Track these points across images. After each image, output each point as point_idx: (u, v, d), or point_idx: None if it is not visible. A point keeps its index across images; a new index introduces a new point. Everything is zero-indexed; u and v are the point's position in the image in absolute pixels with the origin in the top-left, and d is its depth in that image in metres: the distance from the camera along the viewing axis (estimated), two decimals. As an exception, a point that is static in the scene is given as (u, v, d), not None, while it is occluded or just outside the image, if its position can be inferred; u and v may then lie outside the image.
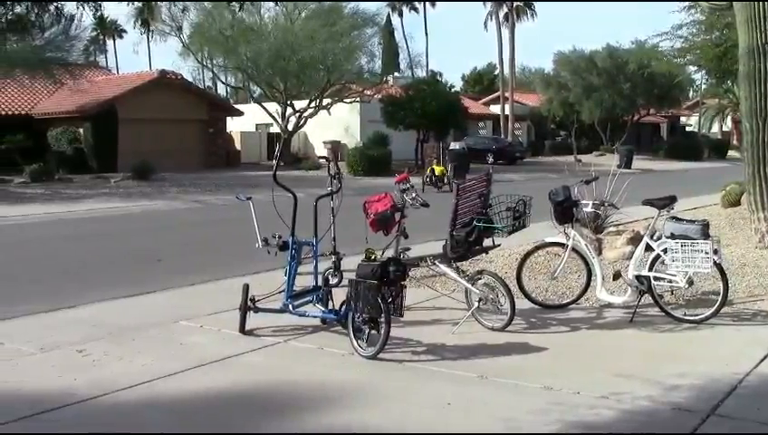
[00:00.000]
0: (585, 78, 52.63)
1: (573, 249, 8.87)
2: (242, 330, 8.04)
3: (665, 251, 8.14)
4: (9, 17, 6.31)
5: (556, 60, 56.47)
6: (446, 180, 27.75)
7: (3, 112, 37.25)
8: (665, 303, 8.41)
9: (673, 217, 8.38)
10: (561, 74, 55.12)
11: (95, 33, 78.19)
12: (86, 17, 68.43)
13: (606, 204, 11.03)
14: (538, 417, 5.62)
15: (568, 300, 9.11)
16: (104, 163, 35.18)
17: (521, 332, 7.99)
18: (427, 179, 28.35)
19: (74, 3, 6.54)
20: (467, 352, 7.31)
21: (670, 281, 8.22)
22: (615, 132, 57.26)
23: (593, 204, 9.52)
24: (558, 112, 56.05)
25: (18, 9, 6.22)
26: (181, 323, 8.67)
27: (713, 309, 8.12)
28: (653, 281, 8.26)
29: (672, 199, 8.63)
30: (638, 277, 8.33)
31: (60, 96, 38.16)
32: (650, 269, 8.26)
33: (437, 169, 28.86)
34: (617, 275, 8.65)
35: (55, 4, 6.30)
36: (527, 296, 8.97)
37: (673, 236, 8.10)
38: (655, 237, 8.35)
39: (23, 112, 37.84)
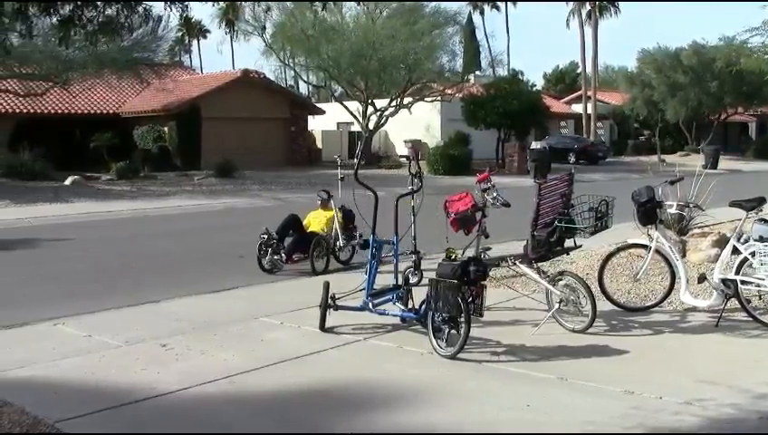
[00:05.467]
0: (670, 76, 51.55)
1: (657, 251, 8.71)
2: (322, 327, 8.12)
3: (753, 254, 7.94)
4: (100, 20, 6.49)
5: (640, 58, 55.43)
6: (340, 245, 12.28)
7: (92, 111, 38.19)
8: (752, 307, 8.19)
9: (762, 220, 8.16)
10: (645, 72, 54.09)
11: (181, 33, 79.63)
12: (173, 18, 69.92)
13: (691, 205, 10.81)
14: (619, 421, 5.54)
15: (650, 303, 8.96)
16: (188, 161, 35.82)
17: (602, 334, 7.89)
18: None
19: (162, 3, 6.70)
20: (547, 353, 7.25)
21: (758, 285, 8.01)
22: (701, 132, 56.03)
23: (678, 205, 9.34)
24: (641, 111, 55.06)
25: (108, 11, 6.38)
26: (262, 319, 8.79)
27: (804, 315, 7.89)
28: (740, 285, 8.06)
29: (761, 201, 8.41)
30: (724, 281, 8.14)
31: (146, 95, 38.98)
32: (737, 273, 8.06)
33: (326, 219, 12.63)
34: (702, 278, 8.47)
35: (144, 5, 6.45)
36: (609, 298, 8.85)
37: (762, 239, 7.89)
38: (742, 240, 8.15)
39: (111, 111, 38.73)
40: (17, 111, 35.47)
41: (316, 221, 12.69)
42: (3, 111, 35.05)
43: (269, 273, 11.66)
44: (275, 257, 11.82)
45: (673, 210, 9.33)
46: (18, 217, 20.34)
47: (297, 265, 11.92)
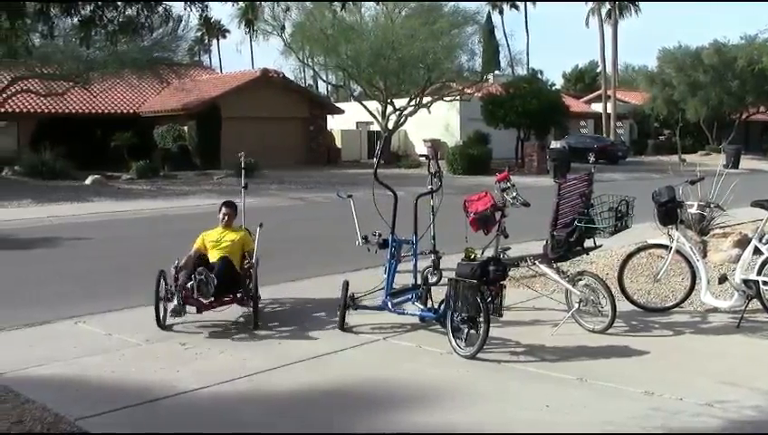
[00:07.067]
0: (691, 75, 51.25)
1: (677, 251, 8.67)
2: (341, 327, 8.12)
3: (774, 254, 7.89)
4: (120, 20, 6.55)
5: (660, 57, 55.16)
6: None
7: (112, 111, 38.38)
8: (774, 308, 8.13)
9: (784, 220, 8.11)
10: (665, 72, 53.81)
11: (200, 33, 79.91)
12: (192, 18, 70.24)
13: (712, 205, 10.75)
14: (639, 422, 5.51)
15: (671, 303, 8.92)
16: (207, 160, 35.91)
17: (622, 334, 7.86)
18: None
19: (182, 3, 6.74)
20: (567, 353, 7.22)
21: (780, 286, 7.95)
22: (722, 131, 55.60)
23: (698, 205, 9.30)
24: (662, 111, 54.72)
25: (129, 11, 6.43)
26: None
27: (825, 316, 7.82)
28: (761, 285, 8.00)
29: (783, 201, 8.35)
30: (745, 281, 8.09)
31: (165, 95, 39.15)
32: (759, 273, 8.00)
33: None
34: (723, 279, 8.42)
35: (164, 5, 6.49)
36: (628, 299, 8.81)
37: (783, 240, 7.84)
38: (764, 240, 8.10)
39: (131, 111, 38.91)
40: (39, 110, 35.74)
41: (216, 247, 8.83)
42: (25, 110, 35.32)
43: (167, 329, 8.24)
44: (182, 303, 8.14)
45: (694, 210, 9.28)
46: (39, 216, 20.47)
47: (205, 314, 8.53)
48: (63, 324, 8.66)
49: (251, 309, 8.43)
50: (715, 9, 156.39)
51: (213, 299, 8.30)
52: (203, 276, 8.07)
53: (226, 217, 9.04)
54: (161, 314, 8.20)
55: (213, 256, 8.72)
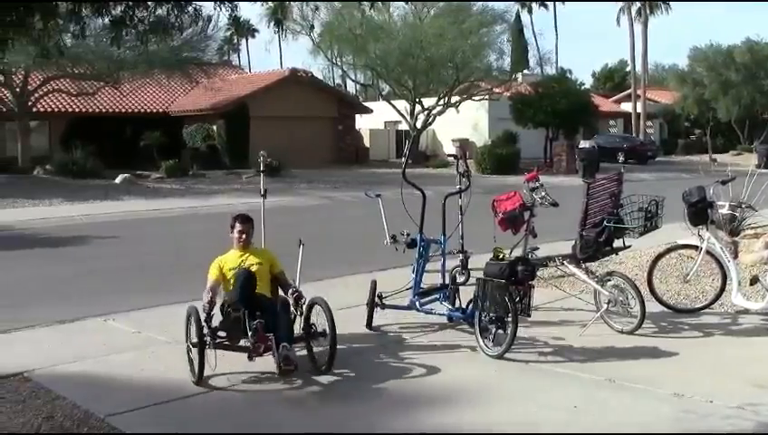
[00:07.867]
0: (722, 74, 50.78)
1: (707, 252, 8.60)
2: (369, 325, 8.13)
3: (807, 256, 7.80)
4: (151, 20, 6.64)
5: (691, 55, 54.72)
6: None
7: (142, 110, 38.66)
8: (806, 310, 8.05)
9: (816, 221, 8.03)
10: (696, 70, 53.38)
11: (229, 32, 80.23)
12: (222, 18, 70.64)
13: (743, 205, 10.64)
14: (669, 424, 5.48)
15: (701, 304, 8.84)
16: (236, 160, 36.04)
17: (651, 335, 7.80)
18: None
19: (212, 3, 6.80)
20: (595, 354, 7.18)
21: (812, 287, 7.87)
22: (754, 130, 55.03)
23: (729, 205, 9.22)
24: (692, 110, 54.25)
25: (159, 11, 6.52)
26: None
27: None
28: (794, 287, 7.92)
29: (815, 202, 8.26)
30: (777, 283, 8.01)
31: (194, 95, 39.36)
32: (791, 274, 7.92)
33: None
34: (754, 280, 8.34)
35: (194, 5, 6.56)
36: (658, 299, 8.75)
37: (816, 241, 7.76)
38: (796, 241, 8.01)
39: (160, 110, 39.17)
40: (70, 110, 36.08)
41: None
42: (56, 110, 35.68)
43: (203, 385, 6.49)
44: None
45: (725, 210, 9.20)
46: (70, 215, 20.66)
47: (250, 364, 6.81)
48: (93, 322, 8.74)
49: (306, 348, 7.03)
50: (747, 7, 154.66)
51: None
52: (291, 358, 6.45)
53: (244, 236, 7.54)
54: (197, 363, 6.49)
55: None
